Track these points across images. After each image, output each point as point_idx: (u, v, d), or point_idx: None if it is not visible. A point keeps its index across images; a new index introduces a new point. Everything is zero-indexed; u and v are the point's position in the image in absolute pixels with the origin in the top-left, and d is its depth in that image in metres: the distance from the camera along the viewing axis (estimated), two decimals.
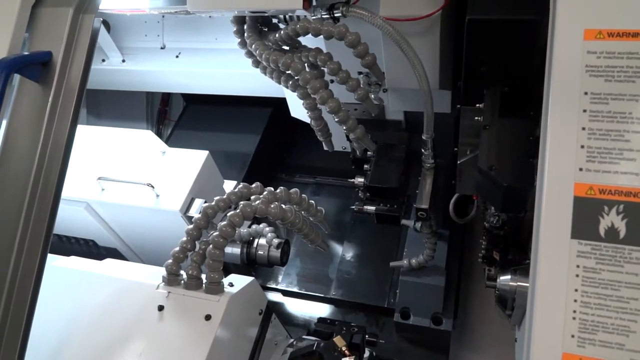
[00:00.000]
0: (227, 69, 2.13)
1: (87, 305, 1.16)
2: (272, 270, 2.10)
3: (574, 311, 0.67)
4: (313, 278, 2.07)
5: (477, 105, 1.08)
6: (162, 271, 1.16)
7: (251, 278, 1.21)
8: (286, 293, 2.06)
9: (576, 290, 0.67)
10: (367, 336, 1.42)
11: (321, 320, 1.72)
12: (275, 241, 1.56)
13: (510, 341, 1.95)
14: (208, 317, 1.06)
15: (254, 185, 1.19)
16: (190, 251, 1.15)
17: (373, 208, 1.63)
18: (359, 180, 1.58)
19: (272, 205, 1.08)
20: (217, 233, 1.08)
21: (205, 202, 1.49)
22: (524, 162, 0.93)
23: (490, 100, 1.04)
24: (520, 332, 1.50)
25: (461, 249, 1.98)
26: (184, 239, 1.15)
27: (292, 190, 1.18)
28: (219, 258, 1.10)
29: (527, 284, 1.42)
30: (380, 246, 2.09)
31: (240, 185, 1.19)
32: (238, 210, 1.07)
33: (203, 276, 1.14)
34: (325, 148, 1.79)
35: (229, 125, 2.34)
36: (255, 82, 2.13)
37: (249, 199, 1.15)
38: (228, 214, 1.08)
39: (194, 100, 2.53)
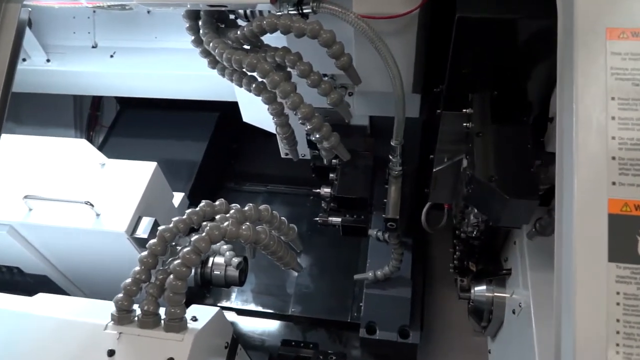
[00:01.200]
0: (169, 70, 1.94)
1: (15, 355, 0.96)
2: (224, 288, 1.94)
3: (617, 344, 0.59)
4: (269, 294, 1.93)
5: (464, 110, 1.00)
6: (110, 307, 0.99)
7: (216, 309, 1.06)
8: (241, 312, 1.91)
9: (618, 320, 0.59)
10: None
11: (285, 342, 1.60)
12: (235, 260, 1.42)
13: (476, 350, 1.92)
14: None
15: (217, 203, 1.04)
16: (144, 282, 0.98)
17: (339, 219, 1.52)
18: (325, 190, 1.47)
19: (243, 227, 0.94)
20: (179, 261, 0.92)
21: (156, 220, 1.32)
22: (525, 172, 0.86)
23: (479, 105, 0.97)
24: (497, 344, 1.46)
25: (424, 259, 1.92)
26: (137, 268, 0.98)
27: (262, 207, 1.04)
28: (181, 290, 0.94)
29: (505, 294, 1.38)
30: (339, 257, 1.99)
31: (202, 204, 1.03)
32: (204, 234, 0.92)
33: (161, 311, 0.98)
34: (284, 156, 1.66)
35: (171, 132, 2.14)
36: (200, 85, 1.97)
37: (212, 219, 1.00)
38: (192, 239, 0.92)
39: (129, 104, 2.30)
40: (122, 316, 0.97)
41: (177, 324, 0.95)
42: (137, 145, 2.14)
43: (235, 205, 1.04)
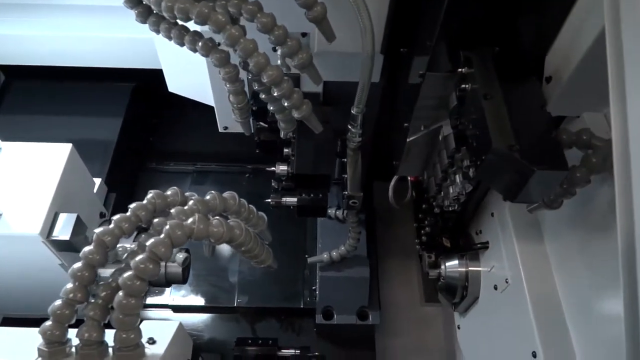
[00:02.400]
0: (69, 32, 1.61)
1: None
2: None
3: None
4: (210, 285, 1.72)
5: (460, 70, 0.86)
6: (34, 339, 0.75)
7: (176, 323, 0.86)
8: (178, 309, 1.68)
9: None
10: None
11: (240, 341, 1.42)
12: (180, 256, 1.20)
13: (432, 322, 1.87)
14: None
15: (170, 192, 0.82)
16: (81, 303, 0.75)
17: (294, 199, 1.35)
18: (282, 168, 1.28)
19: (213, 223, 0.74)
20: (130, 273, 0.70)
21: (78, 217, 1.06)
22: (547, 138, 0.75)
23: (481, 64, 0.83)
24: (468, 320, 1.40)
25: (374, 232, 1.82)
26: (70, 286, 0.74)
27: (227, 194, 0.84)
28: (136, 310, 0.72)
29: (479, 268, 1.31)
30: (285, 240, 1.82)
31: (150, 195, 0.81)
32: (164, 237, 0.71)
33: (107, 336, 0.76)
34: (223, 130, 1.45)
35: (77, 107, 1.80)
36: (111, 49, 1.67)
37: (166, 213, 0.79)
38: (148, 243, 0.71)
39: (18, 74, 1.90)
40: (54, 350, 0.74)
41: (132, 352, 0.74)
42: (34, 124, 1.78)
43: (193, 195, 0.83)
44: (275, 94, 0.88)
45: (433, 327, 1.85)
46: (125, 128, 1.79)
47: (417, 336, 1.82)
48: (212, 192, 0.82)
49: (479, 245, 1.22)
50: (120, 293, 0.72)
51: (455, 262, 1.29)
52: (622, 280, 0.55)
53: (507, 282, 1.08)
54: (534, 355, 0.95)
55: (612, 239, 0.82)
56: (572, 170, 0.80)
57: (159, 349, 0.77)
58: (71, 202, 1.08)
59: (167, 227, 0.72)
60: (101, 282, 0.77)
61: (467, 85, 0.85)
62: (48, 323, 0.74)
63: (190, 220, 0.73)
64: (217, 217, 0.75)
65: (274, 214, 1.85)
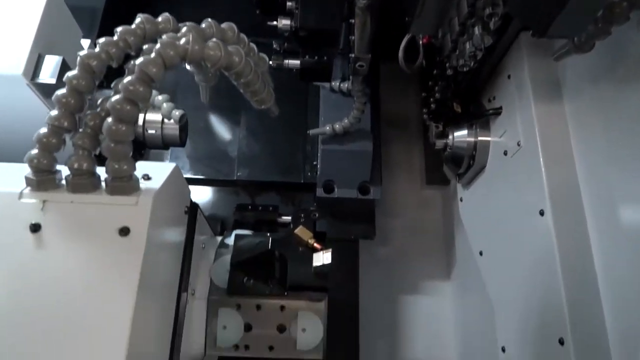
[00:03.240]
0: None
1: None
2: (154, 154, 1.66)
3: None
4: (209, 159, 1.69)
5: None
6: (22, 169, 0.71)
7: (172, 165, 0.82)
8: None
9: None
10: None
11: (241, 207, 1.41)
12: (176, 113, 1.14)
13: (432, 205, 1.87)
14: (124, 231, 0.68)
15: (161, 19, 0.74)
16: (68, 132, 0.70)
17: (297, 62, 1.27)
18: (284, 22, 1.18)
19: (209, 44, 0.66)
20: (120, 96, 0.64)
21: (64, 60, 0.98)
22: None
23: None
24: (472, 191, 1.37)
25: (378, 105, 1.74)
26: (55, 112, 0.69)
27: (225, 25, 0.76)
28: (127, 136, 0.67)
29: (489, 138, 1.26)
30: (285, 114, 1.73)
31: (138, 20, 0.72)
32: (154, 55, 0.64)
33: (101, 172, 0.72)
34: None
35: None
36: None
37: (155, 41, 0.71)
38: (136, 63, 0.64)
39: None
40: (43, 179, 0.70)
41: (125, 183, 0.70)
42: None
43: (189, 23, 0.75)
44: None
45: (432, 210, 1.85)
46: None
47: (416, 218, 1.83)
48: (209, 19, 0.74)
49: (491, 111, 1.15)
50: (110, 119, 0.66)
51: (464, 131, 1.24)
52: None
53: (519, 145, 1.03)
54: (542, 213, 0.92)
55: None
56: (611, 5, 0.71)
57: (155, 184, 0.73)
58: (56, 45, 1.00)
59: (159, 46, 0.64)
60: (89, 111, 0.71)
61: None
62: (34, 151, 0.69)
63: (183, 40, 0.65)
64: (214, 39, 0.67)
65: (277, 91, 1.79)
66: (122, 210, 0.69)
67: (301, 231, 0.90)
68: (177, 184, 0.82)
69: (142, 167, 0.77)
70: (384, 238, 1.79)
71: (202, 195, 1.66)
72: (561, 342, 0.83)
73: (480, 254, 1.21)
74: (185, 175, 1.62)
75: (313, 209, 1.00)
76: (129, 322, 0.63)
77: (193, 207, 0.94)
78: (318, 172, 1.58)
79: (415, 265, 1.76)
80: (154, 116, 1.23)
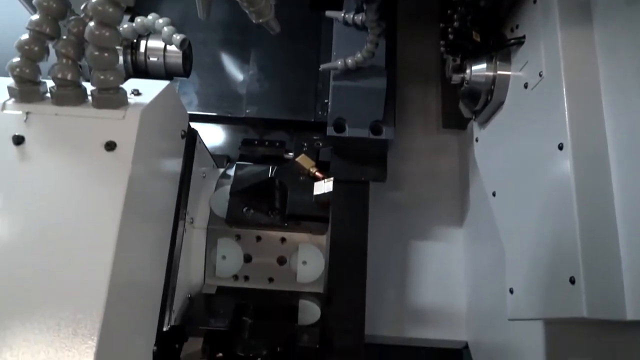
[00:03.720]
0: None
1: None
2: None
3: None
4: (217, 95, 1.64)
5: None
6: (5, 82, 0.67)
7: (166, 82, 0.77)
8: None
9: None
10: None
11: (246, 141, 1.36)
12: (177, 37, 1.08)
13: (448, 149, 1.80)
14: (110, 146, 0.64)
15: None
16: (51, 39, 0.66)
17: None
18: None
19: None
20: None
21: None
22: None
23: None
24: (488, 130, 1.30)
25: (394, 42, 1.66)
26: (36, 17, 0.64)
27: None
28: (112, 42, 0.63)
29: (509, 72, 1.18)
30: (296, 50, 1.68)
31: None
32: None
33: (87, 85, 0.68)
34: None
35: None
36: None
37: None
38: None
39: None
40: (26, 89, 0.66)
41: (112, 95, 0.66)
42: None
43: None
44: None
45: (448, 155, 1.79)
46: None
47: (430, 162, 1.77)
48: None
49: (512, 41, 1.07)
50: (92, 23, 0.61)
51: (483, 65, 1.16)
52: None
53: (540, 76, 0.96)
54: (560, 147, 0.86)
55: None
56: None
57: (144, 99, 0.69)
58: None
59: None
60: (72, 17, 0.66)
61: None
62: (16, 59, 0.65)
63: None
64: None
65: (288, 26, 1.71)
66: (108, 124, 0.65)
67: (303, 159, 0.86)
68: (171, 104, 0.78)
69: (133, 83, 0.73)
70: (396, 182, 1.74)
71: (209, 132, 1.62)
72: (572, 280, 0.78)
73: (494, 194, 1.16)
74: (193, 112, 1.61)
75: (317, 138, 0.96)
76: (114, 238, 0.60)
77: (191, 133, 0.90)
78: (329, 110, 1.52)
79: (428, 211, 1.71)
80: (156, 43, 1.18)
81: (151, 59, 1.18)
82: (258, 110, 1.61)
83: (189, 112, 1.57)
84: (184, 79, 1.61)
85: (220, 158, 1.48)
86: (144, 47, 1.18)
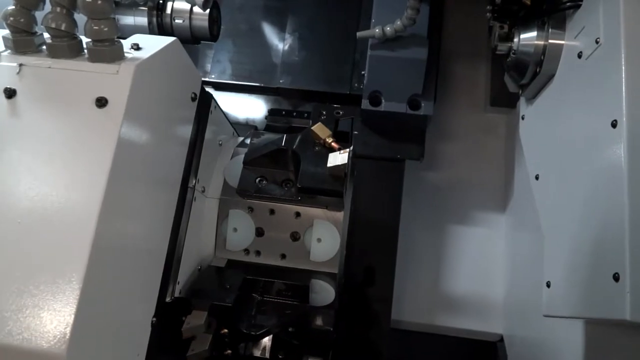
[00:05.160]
0: None
1: None
2: (197, 57, 1.58)
3: None
4: (252, 64, 1.58)
5: None
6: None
7: (172, 38, 0.72)
8: (218, 86, 1.58)
9: None
10: None
11: (274, 111, 1.31)
12: None
13: (495, 130, 1.68)
14: (101, 102, 0.60)
15: None
16: None
17: None
18: None
19: None
20: None
21: None
22: None
23: None
24: (536, 106, 1.18)
25: (441, 12, 1.54)
26: None
27: None
28: None
29: (563, 41, 1.05)
30: (336, 17, 1.59)
31: None
32: None
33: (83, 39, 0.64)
34: None
35: None
36: None
37: None
38: None
39: None
40: (21, 40, 0.63)
41: (107, 48, 0.62)
42: None
43: None
44: None
45: (495, 135, 1.66)
46: None
47: (475, 142, 1.65)
48: None
49: (568, 4, 0.95)
50: None
51: (533, 32, 1.04)
52: None
53: (597, 43, 0.84)
54: (614, 124, 0.75)
55: None
56: None
57: (143, 54, 0.64)
58: None
59: None
60: None
61: None
62: (10, 7, 0.62)
63: None
64: None
65: None
66: (101, 79, 0.61)
67: (319, 128, 0.79)
68: (177, 62, 0.73)
69: (136, 38, 0.68)
70: (436, 162, 1.64)
71: (240, 101, 1.58)
72: (616, 278, 0.68)
73: (537, 178, 1.05)
74: (225, 81, 1.57)
75: (337, 106, 0.88)
76: (99, 200, 0.56)
77: (205, 97, 0.85)
78: (365, 82, 1.43)
79: (469, 195, 1.60)
80: (182, 4, 1.14)
81: (176, 20, 1.14)
82: (292, 81, 1.54)
83: (221, 80, 1.57)
84: (221, 46, 1.58)
85: (247, 128, 1.44)
86: (170, 9, 1.14)
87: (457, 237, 1.58)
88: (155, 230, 0.73)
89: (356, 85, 1.52)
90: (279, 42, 1.59)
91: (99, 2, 0.59)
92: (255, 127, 1.38)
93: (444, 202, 1.60)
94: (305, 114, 1.28)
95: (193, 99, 0.81)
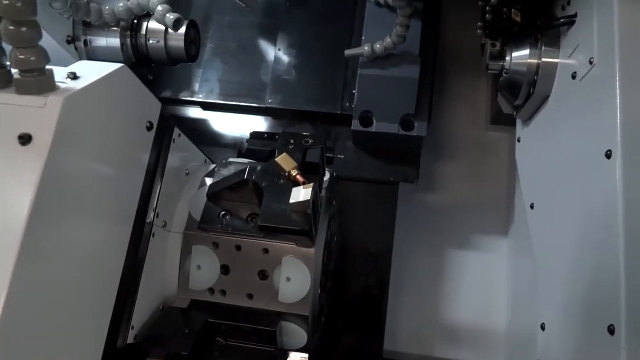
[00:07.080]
0: None
1: None
2: (185, 76, 1.53)
3: None
4: (241, 83, 1.53)
5: None
6: None
7: (119, 65, 0.67)
8: (207, 106, 1.53)
9: None
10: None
11: (255, 135, 1.25)
12: (171, 17, 0.97)
13: (496, 149, 1.60)
14: (24, 139, 0.54)
15: None
16: None
17: None
18: None
19: None
20: None
21: None
22: None
23: None
24: (532, 129, 1.10)
25: (436, 29, 1.47)
26: None
27: None
28: (26, 14, 0.52)
29: (557, 60, 0.98)
30: (327, 35, 1.54)
31: None
32: None
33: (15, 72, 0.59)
34: None
35: None
36: None
37: None
38: None
39: None
40: None
41: (34, 79, 0.56)
42: None
43: None
44: None
45: (496, 155, 1.59)
46: None
47: (475, 163, 1.58)
48: None
49: (562, 21, 0.87)
50: None
51: (526, 51, 0.97)
52: None
53: (591, 63, 0.76)
54: (608, 155, 0.67)
55: None
56: None
57: (79, 84, 0.59)
58: None
59: None
60: None
61: None
62: None
63: None
64: None
65: (318, 7, 1.57)
66: (26, 113, 0.55)
67: (283, 159, 0.72)
68: (123, 91, 0.67)
69: (77, 67, 0.63)
70: (434, 183, 1.57)
71: (228, 121, 1.52)
72: (611, 330, 0.60)
73: (532, 207, 0.97)
74: (213, 100, 1.52)
75: (307, 134, 0.81)
76: (18, 242, 0.51)
77: (164, 125, 0.79)
78: (355, 102, 1.37)
79: (468, 218, 1.52)
80: (157, 25, 1.09)
81: (151, 41, 1.09)
82: (281, 101, 1.48)
83: (208, 100, 1.52)
84: (210, 65, 1.53)
85: (230, 152, 1.38)
86: (144, 29, 1.09)
87: (456, 263, 1.50)
88: (98, 271, 0.67)
89: (347, 105, 1.46)
90: (269, 60, 1.53)
91: (23, 29, 0.53)
92: (239, 151, 1.32)
93: (442, 225, 1.52)
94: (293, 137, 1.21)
95: (149, 128, 0.76)
